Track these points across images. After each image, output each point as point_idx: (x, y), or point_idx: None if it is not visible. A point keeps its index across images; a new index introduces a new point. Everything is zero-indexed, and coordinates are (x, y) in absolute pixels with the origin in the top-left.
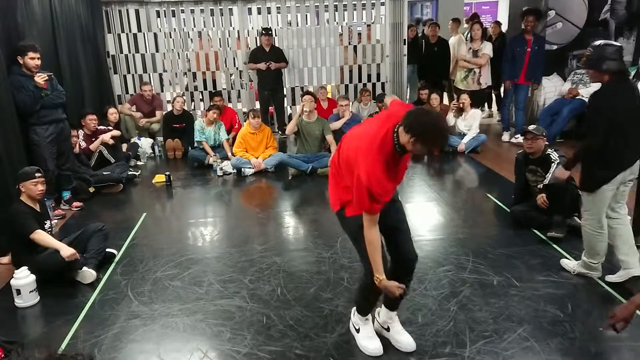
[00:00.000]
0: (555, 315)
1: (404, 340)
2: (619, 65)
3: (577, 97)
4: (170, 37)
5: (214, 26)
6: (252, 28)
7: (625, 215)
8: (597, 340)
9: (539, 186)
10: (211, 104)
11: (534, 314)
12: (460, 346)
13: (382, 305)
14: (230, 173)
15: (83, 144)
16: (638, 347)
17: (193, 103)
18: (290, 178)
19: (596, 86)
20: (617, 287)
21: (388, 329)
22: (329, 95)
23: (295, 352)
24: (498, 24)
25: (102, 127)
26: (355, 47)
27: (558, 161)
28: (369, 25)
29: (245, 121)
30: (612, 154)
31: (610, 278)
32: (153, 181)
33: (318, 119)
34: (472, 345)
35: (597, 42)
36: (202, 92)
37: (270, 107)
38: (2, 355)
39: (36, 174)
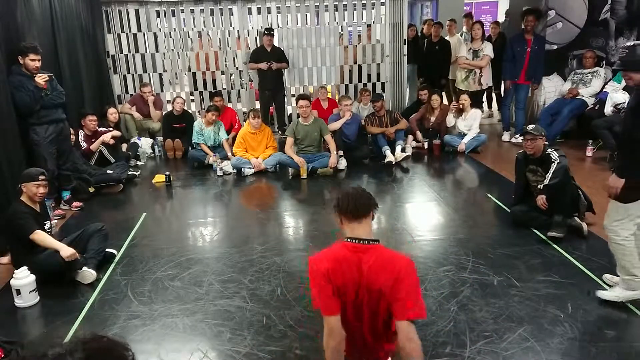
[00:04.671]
0: (556, 316)
1: None
2: None
3: (578, 97)
4: (170, 37)
5: (214, 26)
6: (252, 28)
7: None
8: (597, 341)
9: (539, 186)
10: (211, 104)
11: (534, 314)
12: (461, 346)
13: None
14: (230, 173)
15: (84, 145)
16: (638, 347)
17: (193, 103)
18: (290, 178)
19: (598, 86)
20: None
21: None
22: (329, 95)
23: (295, 352)
24: (497, 24)
25: (102, 129)
26: (355, 46)
27: (558, 161)
28: (369, 25)
29: (245, 121)
30: None
31: (610, 278)
32: (153, 181)
33: (315, 120)
34: (472, 345)
35: (630, 43)
36: (201, 92)
37: (270, 107)
38: (2, 356)
39: (39, 177)
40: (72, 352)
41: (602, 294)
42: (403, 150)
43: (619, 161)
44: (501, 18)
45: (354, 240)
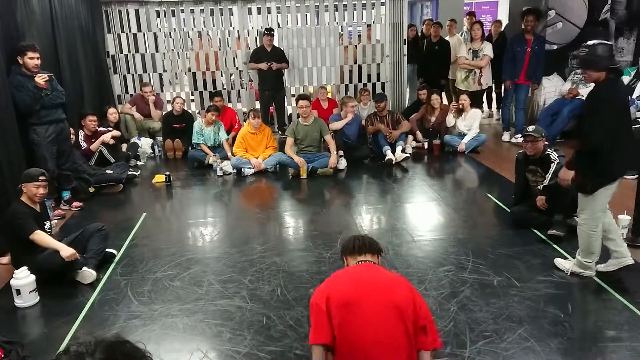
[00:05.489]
0: (556, 316)
1: None
2: (614, 63)
3: (578, 97)
4: (170, 37)
5: (214, 26)
6: (252, 28)
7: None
8: (597, 340)
9: (539, 187)
10: (210, 104)
11: (534, 314)
12: (461, 346)
13: None
14: (230, 173)
15: (84, 145)
16: (638, 347)
17: (193, 103)
18: (290, 178)
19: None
20: (617, 286)
21: None
22: (329, 95)
23: (295, 352)
24: (499, 22)
25: (102, 129)
26: (355, 46)
27: (558, 161)
28: (369, 25)
29: (245, 121)
30: (616, 154)
31: (601, 267)
32: (153, 181)
33: (315, 121)
34: (472, 345)
35: (590, 42)
36: (201, 92)
37: (270, 107)
38: (2, 356)
39: (40, 177)
40: (93, 352)
41: (558, 262)
42: (403, 150)
43: (572, 156)
44: (504, 19)
45: (358, 262)
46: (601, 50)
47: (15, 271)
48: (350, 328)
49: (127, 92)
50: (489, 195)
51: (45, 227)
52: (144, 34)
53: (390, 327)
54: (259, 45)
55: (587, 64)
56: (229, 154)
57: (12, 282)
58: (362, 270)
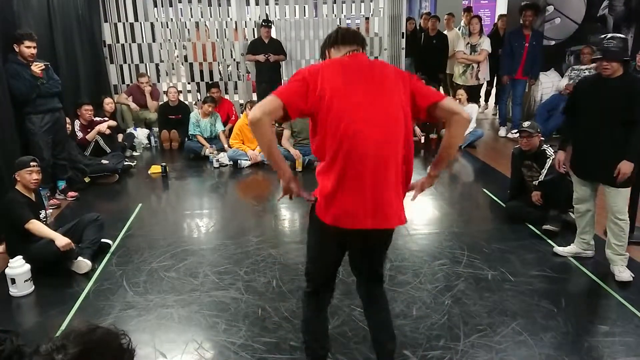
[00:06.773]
0: (549, 310)
1: None
2: (627, 56)
3: None
4: (167, 27)
5: (211, 17)
6: (250, 19)
7: None
8: (589, 335)
9: (534, 182)
10: (207, 95)
11: (528, 308)
12: (454, 339)
13: None
14: (227, 165)
15: (79, 134)
16: (630, 342)
17: (190, 94)
18: None
19: None
20: (610, 281)
21: None
22: None
23: (290, 343)
24: (506, 17)
25: (98, 119)
26: None
27: (553, 157)
28: (367, 18)
29: (242, 113)
30: None
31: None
32: (149, 172)
33: None
34: (465, 338)
35: (613, 34)
36: (198, 83)
37: None
38: None
39: (31, 163)
40: (65, 346)
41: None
42: None
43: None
44: (500, 13)
45: (347, 53)
46: (625, 42)
47: (10, 260)
48: (342, 108)
49: (123, 82)
50: (485, 190)
51: (41, 216)
52: (140, 23)
53: (387, 107)
54: (256, 37)
55: (616, 55)
56: (226, 145)
57: (7, 271)
58: (357, 59)
